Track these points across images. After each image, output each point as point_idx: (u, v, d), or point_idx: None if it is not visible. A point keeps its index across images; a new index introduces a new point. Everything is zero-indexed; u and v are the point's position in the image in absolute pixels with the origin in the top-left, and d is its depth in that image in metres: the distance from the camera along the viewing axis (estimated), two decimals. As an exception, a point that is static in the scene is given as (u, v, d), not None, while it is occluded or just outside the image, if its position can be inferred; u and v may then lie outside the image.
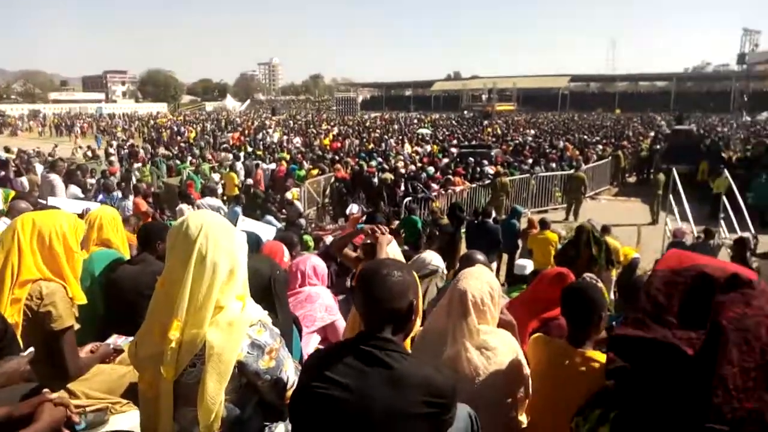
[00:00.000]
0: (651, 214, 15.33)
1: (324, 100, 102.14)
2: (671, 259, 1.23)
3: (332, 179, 15.62)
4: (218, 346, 1.61)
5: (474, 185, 15.63)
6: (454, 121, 51.55)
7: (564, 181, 16.77)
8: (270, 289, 2.35)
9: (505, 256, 10.38)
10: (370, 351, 1.58)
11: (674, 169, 12.82)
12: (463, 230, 10.45)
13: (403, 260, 3.40)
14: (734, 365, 1.05)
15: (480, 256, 3.31)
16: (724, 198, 11.21)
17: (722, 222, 10.72)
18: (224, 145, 27.91)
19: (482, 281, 2.17)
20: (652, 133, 33.44)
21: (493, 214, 11.86)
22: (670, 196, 11.77)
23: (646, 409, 1.11)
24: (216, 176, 16.73)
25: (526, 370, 2.17)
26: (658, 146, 24.47)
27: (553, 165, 19.00)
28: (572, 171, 16.69)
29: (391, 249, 2.92)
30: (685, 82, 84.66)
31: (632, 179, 22.89)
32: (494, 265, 9.61)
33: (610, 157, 21.83)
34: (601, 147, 25.40)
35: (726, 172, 12.47)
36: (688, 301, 1.13)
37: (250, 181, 14.88)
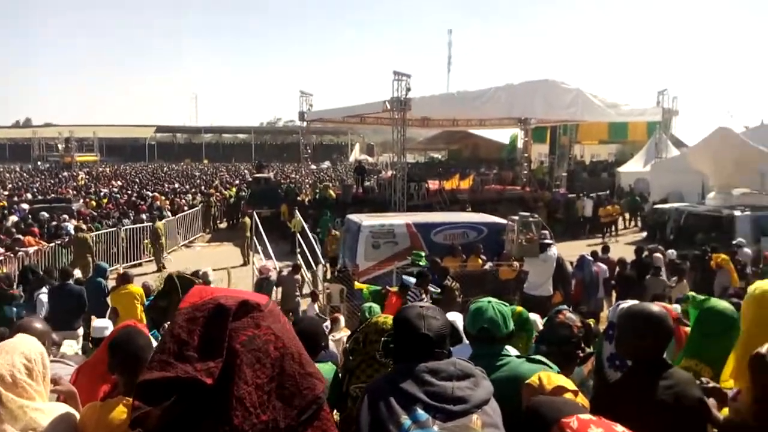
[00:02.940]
0: (242, 256, 16.37)
1: None
2: (194, 295, 1.30)
3: None
4: None
5: (51, 244, 13.78)
6: (25, 173, 44.61)
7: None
8: None
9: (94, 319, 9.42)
10: None
11: (257, 212, 14.04)
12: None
13: None
14: (249, 384, 1.18)
15: (37, 324, 2.88)
16: (299, 235, 12.82)
17: (299, 256, 12.22)
18: None
19: (14, 355, 1.88)
20: (238, 181, 35.99)
21: (77, 274, 10.67)
22: (254, 238, 12.83)
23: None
24: None
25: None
26: (243, 193, 26.45)
27: (144, 216, 18.39)
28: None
29: None
30: (262, 135, 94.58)
31: (223, 225, 24.06)
32: (80, 330, 8.63)
33: (201, 205, 22.49)
34: (190, 196, 25.92)
35: (297, 213, 14.33)
36: (207, 333, 1.21)
37: None
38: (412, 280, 8.26)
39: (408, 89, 18.07)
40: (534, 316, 5.20)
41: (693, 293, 5.69)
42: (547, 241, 9.11)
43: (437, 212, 16.07)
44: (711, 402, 2.16)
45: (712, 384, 2.24)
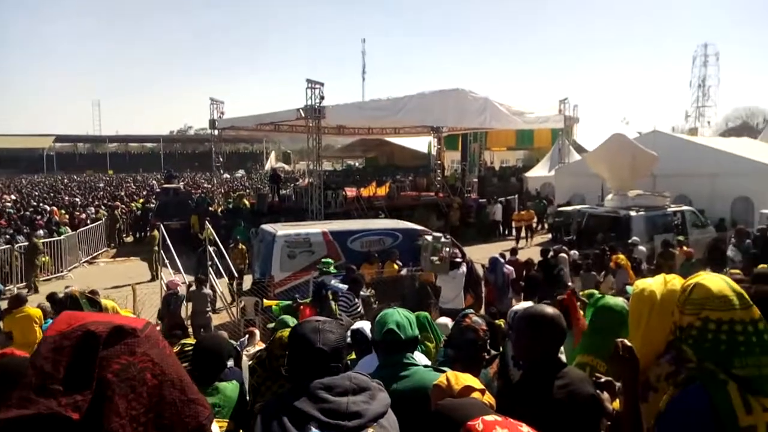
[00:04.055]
0: (150, 271, 15.61)
1: None
2: (61, 322, 1.19)
3: None
4: None
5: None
6: None
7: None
8: None
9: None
10: None
11: (165, 225, 13.43)
12: None
13: None
14: (122, 416, 1.09)
15: None
16: (210, 248, 12.36)
17: (210, 269, 11.80)
18: None
19: None
20: (145, 193, 34.39)
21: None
22: (163, 251, 12.28)
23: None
24: None
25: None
26: (151, 204, 25.30)
27: (41, 232, 17.13)
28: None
29: None
30: (172, 144, 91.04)
31: (130, 239, 22.86)
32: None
33: (105, 219, 21.28)
34: (93, 209, 24.48)
35: (208, 224, 13.84)
36: (74, 364, 1.11)
37: None
38: (343, 286, 8.23)
39: (322, 97, 18.02)
40: (445, 320, 5.31)
41: (593, 291, 6.03)
42: (457, 259, 9.74)
43: (354, 220, 16.10)
44: (605, 396, 2.27)
45: (604, 378, 2.35)
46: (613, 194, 16.38)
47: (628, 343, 1.93)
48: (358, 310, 8.05)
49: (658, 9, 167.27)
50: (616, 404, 2.31)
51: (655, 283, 2.25)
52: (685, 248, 12.06)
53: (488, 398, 2.15)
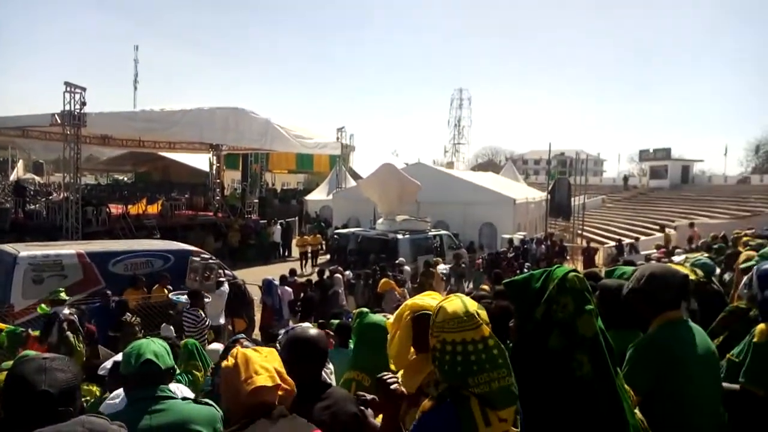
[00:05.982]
0: None
1: None
2: None
3: None
4: None
5: None
6: None
7: None
8: None
9: None
10: None
11: None
12: None
13: None
14: None
15: None
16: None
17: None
18: None
19: None
20: None
21: None
22: None
23: None
24: None
25: None
26: None
27: None
28: None
29: None
30: None
31: None
32: None
33: None
34: None
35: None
36: None
37: None
38: (183, 298, 7.61)
39: (83, 103, 16.21)
40: (217, 346, 5.12)
41: (363, 309, 6.36)
42: (221, 279, 9.84)
43: (119, 240, 14.70)
44: (368, 413, 2.37)
45: (369, 396, 2.46)
46: (384, 218, 17.64)
47: (390, 381, 1.96)
48: (207, 324, 7.53)
49: (426, 51, 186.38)
50: (380, 419, 2.44)
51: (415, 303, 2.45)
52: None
53: None
